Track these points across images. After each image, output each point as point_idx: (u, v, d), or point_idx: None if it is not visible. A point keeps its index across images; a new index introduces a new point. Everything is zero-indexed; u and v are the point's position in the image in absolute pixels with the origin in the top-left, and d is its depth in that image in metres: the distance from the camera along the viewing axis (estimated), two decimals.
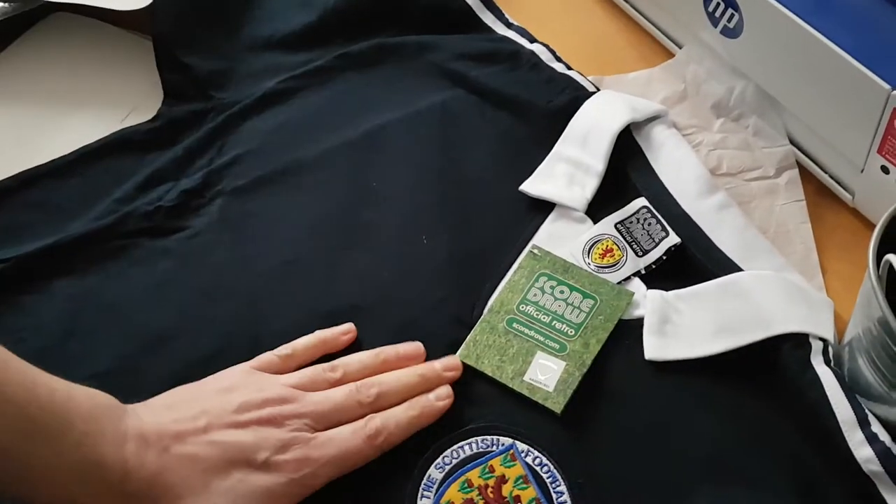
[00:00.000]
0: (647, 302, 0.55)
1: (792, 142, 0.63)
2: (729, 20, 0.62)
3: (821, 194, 0.62)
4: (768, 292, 0.54)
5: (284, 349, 0.54)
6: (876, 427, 0.48)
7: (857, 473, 0.48)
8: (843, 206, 0.61)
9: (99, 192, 0.63)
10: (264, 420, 0.49)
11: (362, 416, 0.50)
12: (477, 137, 0.65)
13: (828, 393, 0.50)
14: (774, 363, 0.52)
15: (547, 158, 0.62)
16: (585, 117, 0.62)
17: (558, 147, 0.62)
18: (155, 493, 0.46)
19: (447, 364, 0.53)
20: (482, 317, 0.56)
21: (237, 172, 0.64)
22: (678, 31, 0.69)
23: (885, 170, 0.56)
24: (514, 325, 0.55)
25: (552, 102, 0.64)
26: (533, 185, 0.61)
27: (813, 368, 0.51)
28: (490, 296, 0.57)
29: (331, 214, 0.61)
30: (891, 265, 0.46)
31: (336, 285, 0.58)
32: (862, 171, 0.58)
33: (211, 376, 0.51)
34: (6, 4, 0.73)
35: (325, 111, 0.67)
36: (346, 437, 0.49)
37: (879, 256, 0.47)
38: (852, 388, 0.50)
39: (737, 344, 0.52)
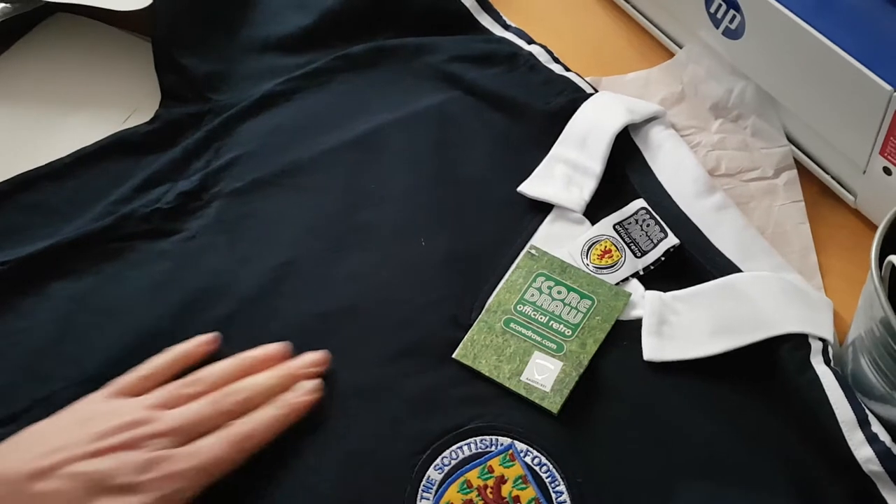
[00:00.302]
0: (646, 303, 0.55)
1: (794, 143, 0.63)
2: (731, 21, 0.62)
3: (823, 195, 0.62)
4: (767, 293, 0.54)
5: (142, 369, 0.53)
6: (876, 427, 0.48)
7: (858, 473, 0.48)
8: (845, 207, 0.61)
9: (96, 194, 0.63)
10: (124, 445, 0.48)
11: (224, 425, 0.50)
12: (475, 139, 0.64)
13: (828, 393, 0.50)
14: (774, 364, 0.52)
15: (545, 160, 0.62)
16: (583, 119, 0.62)
17: (556, 149, 0.62)
18: None
19: (309, 361, 0.53)
20: (480, 317, 0.56)
21: (234, 174, 0.63)
22: (679, 31, 0.69)
23: (887, 171, 0.56)
24: (512, 325, 0.55)
25: (550, 104, 0.64)
26: (531, 187, 0.61)
27: (812, 368, 0.51)
28: (488, 296, 0.57)
29: (328, 216, 0.61)
30: (893, 266, 0.46)
31: (334, 286, 0.58)
32: (864, 172, 0.58)
33: (65, 409, 0.51)
34: (7, 5, 0.73)
35: (323, 113, 0.67)
36: (211, 446, 0.49)
37: (882, 257, 0.47)
38: (855, 388, 0.50)
39: (735, 345, 0.52)
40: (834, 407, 0.49)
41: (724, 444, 0.51)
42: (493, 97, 0.66)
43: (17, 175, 0.64)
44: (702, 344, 0.53)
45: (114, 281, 0.59)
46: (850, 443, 0.48)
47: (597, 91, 0.65)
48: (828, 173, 0.62)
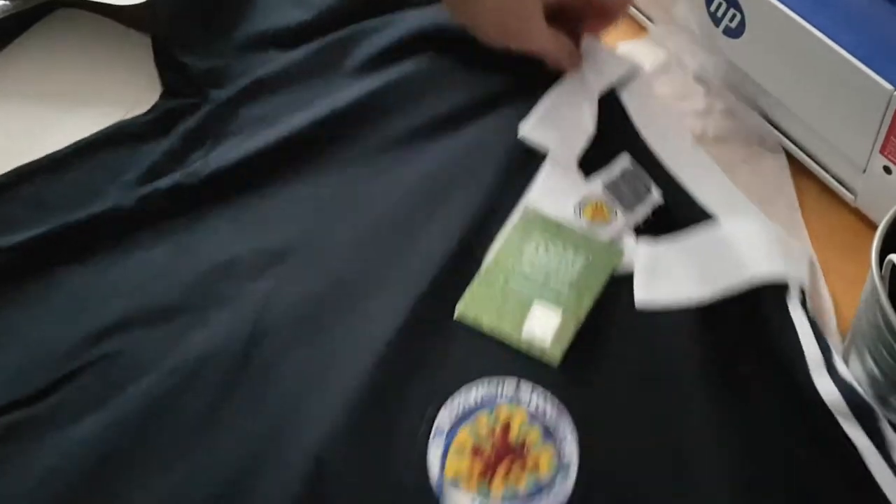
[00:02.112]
0: (636, 256, 0.57)
1: (793, 141, 0.63)
2: (731, 20, 0.62)
3: (823, 194, 0.62)
4: (750, 241, 0.56)
5: None
6: (841, 367, 0.50)
7: (823, 410, 0.50)
8: (845, 206, 0.61)
9: (95, 185, 0.63)
10: None
11: None
12: (466, 93, 0.66)
13: (799, 334, 0.52)
14: (754, 308, 0.54)
15: (540, 108, 0.64)
16: (574, 76, 0.65)
17: (550, 100, 0.64)
18: None
19: None
20: (479, 275, 0.57)
21: (234, 154, 0.64)
22: (680, 31, 0.69)
23: (887, 170, 0.56)
24: (510, 282, 0.57)
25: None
26: (530, 132, 0.62)
27: (788, 312, 0.53)
28: (486, 254, 0.58)
29: (331, 186, 0.62)
30: (893, 265, 0.46)
31: (338, 255, 0.59)
32: (864, 171, 0.58)
33: None
34: (7, 2, 0.73)
35: (318, 88, 0.67)
36: None
37: (882, 257, 0.47)
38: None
39: (721, 290, 0.55)
40: (804, 348, 0.51)
41: (711, 379, 0.52)
42: (481, 52, 0.67)
43: (17, 168, 0.64)
44: (689, 291, 0.55)
45: (123, 261, 0.60)
46: (815, 380, 0.50)
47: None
48: (828, 172, 0.62)
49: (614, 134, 0.63)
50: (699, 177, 0.61)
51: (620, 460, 0.51)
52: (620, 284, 0.57)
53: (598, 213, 0.60)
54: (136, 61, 0.71)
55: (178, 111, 0.67)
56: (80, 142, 0.65)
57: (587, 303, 0.55)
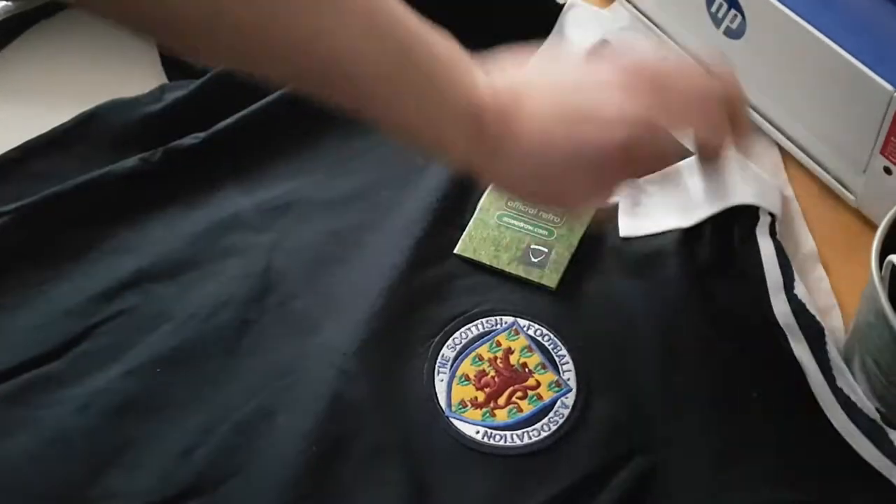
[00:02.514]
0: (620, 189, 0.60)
1: (794, 142, 0.63)
2: (731, 21, 0.62)
3: (823, 195, 0.62)
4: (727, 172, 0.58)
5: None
6: (799, 289, 0.54)
7: (776, 329, 0.53)
8: (845, 206, 0.61)
9: (100, 155, 0.64)
10: (617, 87, 0.49)
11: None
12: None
13: (763, 260, 0.56)
14: (728, 233, 0.58)
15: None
16: (559, 36, 0.68)
17: (535, 61, 0.65)
18: (510, 131, 0.48)
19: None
20: (475, 214, 0.61)
21: (235, 113, 0.65)
22: (680, 31, 0.69)
23: (887, 170, 0.56)
24: (505, 218, 0.61)
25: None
26: None
27: (756, 239, 0.57)
28: (480, 196, 0.62)
29: (327, 144, 0.65)
30: (893, 266, 0.46)
31: (338, 207, 0.62)
32: (864, 171, 0.58)
33: None
34: (9, 3, 0.73)
35: None
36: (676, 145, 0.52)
37: (882, 257, 0.47)
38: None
39: (698, 217, 0.59)
40: (766, 273, 0.55)
41: (691, 301, 0.56)
42: (469, 8, 0.67)
43: (24, 143, 0.65)
44: (669, 219, 0.59)
45: (132, 221, 0.62)
46: (772, 301, 0.54)
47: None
48: (828, 173, 0.62)
49: None
50: None
51: (616, 379, 0.54)
52: (608, 214, 0.61)
53: None
54: (137, 61, 0.71)
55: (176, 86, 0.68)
56: (80, 115, 0.66)
57: (578, 231, 0.60)
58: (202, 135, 0.64)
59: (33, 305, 0.58)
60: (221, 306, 0.57)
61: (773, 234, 0.57)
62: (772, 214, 0.58)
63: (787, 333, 0.53)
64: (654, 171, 0.54)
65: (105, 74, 0.71)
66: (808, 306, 0.53)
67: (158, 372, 0.55)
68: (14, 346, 0.56)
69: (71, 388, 0.54)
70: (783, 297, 0.54)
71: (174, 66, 0.70)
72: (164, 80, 0.70)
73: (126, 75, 0.70)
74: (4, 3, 0.73)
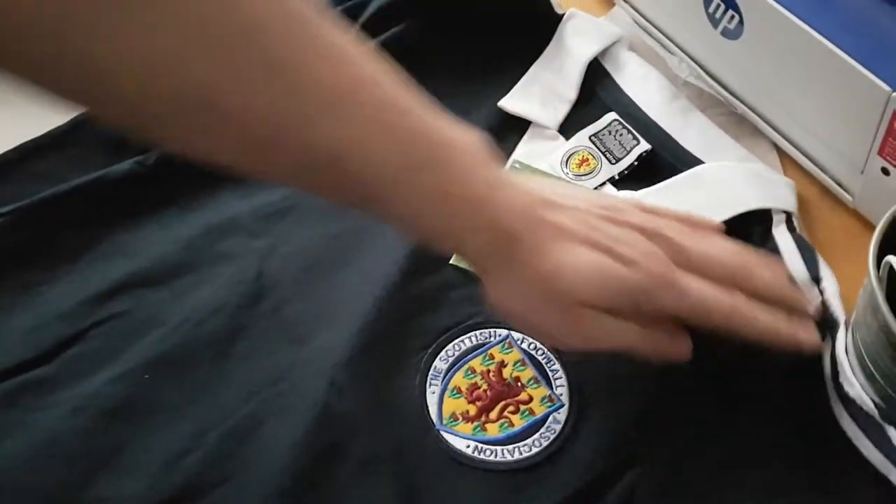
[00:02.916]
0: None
1: (791, 143, 0.63)
2: (729, 21, 0.62)
3: (821, 195, 0.62)
4: (730, 178, 0.60)
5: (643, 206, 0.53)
6: (826, 282, 0.53)
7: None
8: (843, 207, 0.61)
9: (97, 157, 0.64)
10: (637, 226, 0.48)
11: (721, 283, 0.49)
12: (450, 61, 0.68)
13: (785, 258, 0.55)
14: (742, 240, 0.56)
15: (523, 79, 0.67)
16: (558, 46, 0.68)
17: (534, 70, 0.68)
18: (525, 240, 0.46)
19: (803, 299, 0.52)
20: None
21: None
22: (679, 31, 0.69)
23: (885, 171, 0.56)
24: None
25: (525, 21, 0.69)
26: (511, 103, 0.66)
27: (773, 238, 0.56)
28: None
29: None
30: (891, 267, 0.46)
31: (336, 213, 0.61)
32: (862, 172, 0.58)
33: None
34: None
35: None
36: (713, 294, 0.48)
37: (880, 258, 0.47)
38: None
39: None
40: (792, 270, 0.54)
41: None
42: (469, 18, 0.69)
43: (22, 144, 0.65)
44: None
45: (126, 224, 0.62)
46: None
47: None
48: (826, 173, 0.62)
49: (601, 96, 0.66)
50: (684, 124, 0.64)
51: (609, 395, 0.54)
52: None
53: (584, 164, 0.63)
54: None
55: None
56: (78, 116, 0.66)
57: None
58: None
59: (28, 308, 0.58)
60: (215, 311, 0.57)
61: (791, 230, 0.57)
62: (786, 212, 0.58)
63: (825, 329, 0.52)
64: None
65: None
66: (832, 299, 0.53)
67: (150, 376, 0.55)
68: (7, 348, 0.56)
69: (63, 392, 0.54)
70: (816, 292, 0.53)
71: None
72: None
73: None
74: None
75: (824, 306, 0.53)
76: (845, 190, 0.61)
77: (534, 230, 0.46)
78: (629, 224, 0.49)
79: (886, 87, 0.52)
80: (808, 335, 0.51)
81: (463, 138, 0.46)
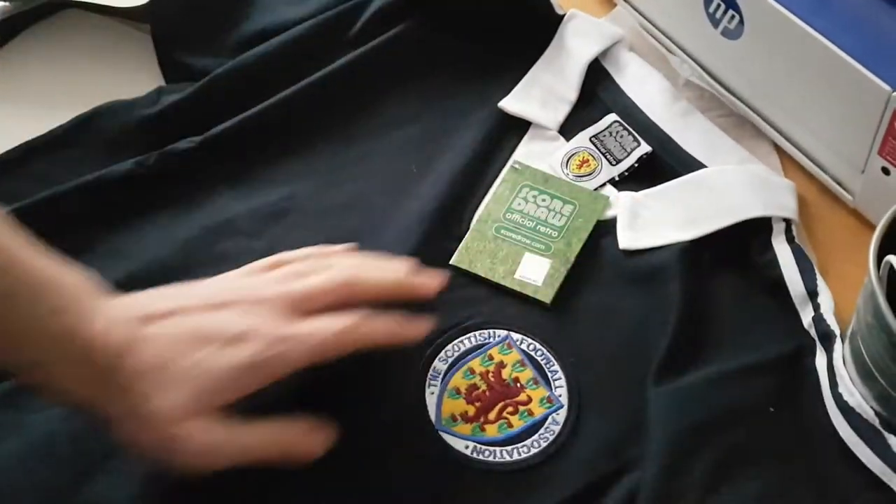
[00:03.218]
0: (619, 202, 0.61)
1: (792, 142, 0.63)
2: (729, 21, 0.62)
3: (821, 195, 0.62)
4: (731, 183, 0.59)
5: (272, 258, 0.54)
6: (822, 297, 0.54)
7: (807, 338, 0.54)
8: (843, 207, 0.61)
9: (98, 158, 0.64)
10: (239, 302, 0.49)
11: (342, 309, 0.50)
12: (453, 62, 0.68)
13: (783, 271, 0.56)
14: (741, 248, 0.57)
15: (523, 80, 0.67)
16: (559, 47, 0.68)
17: (534, 71, 0.68)
18: (124, 365, 0.46)
19: (431, 283, 0.54)
20: (472, 226, 0.61)
21: (231, 118, 0.65)
22: (679, 31, 0.69)
23: (885, 171, 0.56)
24: (502, 231, 0.60)
25: (526, 22, 0.69)
26: (511, 104, 0.66)
27: (772, 248, 0.57)
28: (477, 208, 0.62)
29: (322, 151, 0.65)
30: (891, 266, 0.46)
31: (333, 215, 0.62)
32: (862, 172, 0.58)
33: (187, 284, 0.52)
34: (7, 3, 0.73)
35: (302, 52, 0.69)
36: (324, 328, 0.49)
37: (880, 257, 0.47)
38: (853, 386, 0.50)
39: (703, 232, 0.58)
40: (788, 283, 0.55)
41: (694, 316, 0.55)
42: (470, 17, 0.69)
43: (24, 143, 0.65)
44: (671, 233, 0.58)
45: (124, 225, 0.62)
46: (800, 313, 0.55)
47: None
48: (826, 173, 0.62)
49: (602, 97, 0.66)
50: (684, 126, 0.64)
51: (609, 396, 0.53)
52: (606, 228, 0.60)
53: (584, 165, 0.63)
54: (137, 61, 0.71)
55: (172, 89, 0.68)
56: (78, 117, 0.66)
57: (576, 246, 0.59)
58: (197, 139, 0.64)
59: None
60: None
61: (790, 239, 0.57)
62: (787, 220, 0.58)
63: (818, 344, 0.53)
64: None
65: (103, 75, 0.71)
66: (828, 314, 0.53)
67: None
68: None
69: None
70: (810, 307, 0.54)
71: (173, 68, 0.70)
72: (161, 81, 0.70)
73: (124, 76, 0.70)
74: (3, 3, 0.73)
75: (821, 320, 0.53)
76: (846, 189, 0.61)
77: (132, 353, 0.46)
78: (234, 300, 0.49)
79: (886, 87, 0.52)
80: (415, 330, 0.52)
81: (63, 276, 0.46)
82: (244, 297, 0.50)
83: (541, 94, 0.66)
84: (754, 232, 0.58)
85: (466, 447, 0.52)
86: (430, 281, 0.53)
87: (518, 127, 0.66)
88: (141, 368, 0.46)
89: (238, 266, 0.59)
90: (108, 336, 0.46)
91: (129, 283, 0.58)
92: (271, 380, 0.48)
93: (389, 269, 0.53)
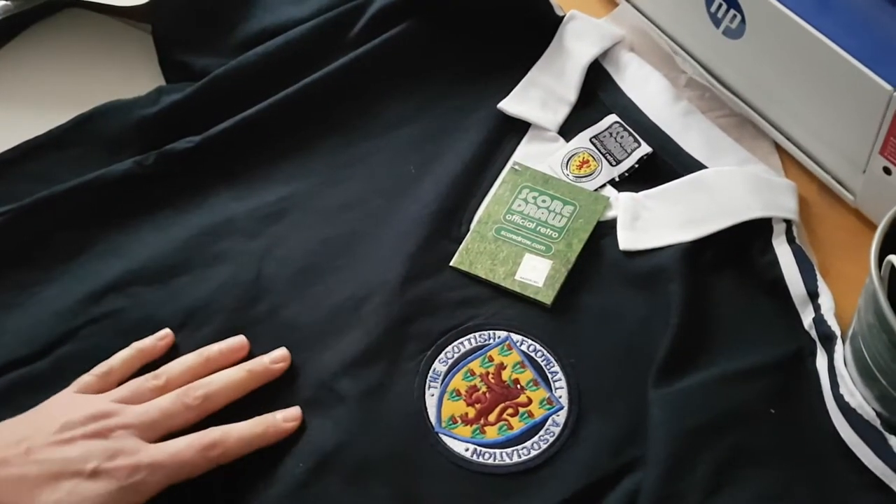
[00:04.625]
0: (619, 203, 0.61)
1: (793, 142, 0.63)
2: (731, 21, 0.62)
3: (822, 195, 0.62)
4: (731, 184, 0.59)
5: (101, 367, 0.54)
6: (822, 298, 0.54)
7: (807, 339, 0.54)
8: (844, 206, 0.61)
9: (96, 159, 0.64)
10: (89, 434, 0.49)
11: (193, 421, 0.51)
12: (453, 63, 0.68)
13: (783, 271, 0.56)
14: (741, 249, 0.57)
15: (523, 81, 0.67)
16: (559, 48, 0.68)
17: (534, 72, 0.68)
18: None
19: (275, 357, 0.54)
20: (472, 228, 0.61)
21: (229, 119, 0.65)
22: (679, 32, 0.69)
23: (886, 170, 0.56)
24: (503, 232, 0.60)
25: (525, 24, 0.69)
26: (510, 105, 0.66)
27: (773, 249, 0.57)
28: (476, 210, 0.62)
29: (321, 152, 0.65)
30: (892, 266, 0.46)
31: (331, 216, 0.62)
32: (864, 171, 0.58)
33: (32, 409, 0.51)
34: (8, 3, 0.73)
35: (301, 53, 0.69)
36: (180, 447, 0.49)
37: (881, 257, 0.47)
38: (854, 386, 0.50)
39: (703, 233, 0.58)
40: (788, 283, 0.55)
41: (694, 317, 0.55)
42: (470, 17, 0.69)
43: (22, 143, 0.65)
44: (672, 234, 0.58)
45: (122, 224, 0.62)
46: (801, 314, 0.54)
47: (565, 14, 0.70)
48: (827, 173, 0.62)
49: (602, 98, 0.67)
50: (684, 126, 0.64)
51: (609, 397, 0.53)
52: (607, 229, 0.60)
53: (584, 165, 0.63)
54: (137, 61, 0.71)
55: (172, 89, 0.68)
56: (78, 117, 0.66)
57: (576, 247, 0.59)
58: (196, 139, 0.64)
59: (24, 307, 0.58)
60: (210, 313, 0.57)
61: (790, 240, 0.57)
62: (787, 220, 0.58)
63: (818, 345, 0.53)
64: None
65: (103, 75, 0.71)
66: (828, 315, 0.53)
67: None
68: (2, 345, 0.56)
69: (56, 389, 0.53)
70: (810, 308, 0.54)
71: (173, 68, 0.70)
72: (161, 81, 0.70)
73: (124, 75, 0.71)
74: (3, 3, 0.73)
75: (821, 321, 0.53)
76: (847, 189, 0.61)
77: None
78: (86, 433, 0.49)
79: (888, 87, 0.52)
80: (284, 428, 0.52)
81: None
82: (94, 428, 0.49)
83: (540, 96, 0.66)
84: (755, 233, 0.58)
85: (466, 450, 0.52)
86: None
87: (518, 128, 0.66)
88: None
89: (237, 266, 0.59)
90: None
91: (127, 281, 0.59)
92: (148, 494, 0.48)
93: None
